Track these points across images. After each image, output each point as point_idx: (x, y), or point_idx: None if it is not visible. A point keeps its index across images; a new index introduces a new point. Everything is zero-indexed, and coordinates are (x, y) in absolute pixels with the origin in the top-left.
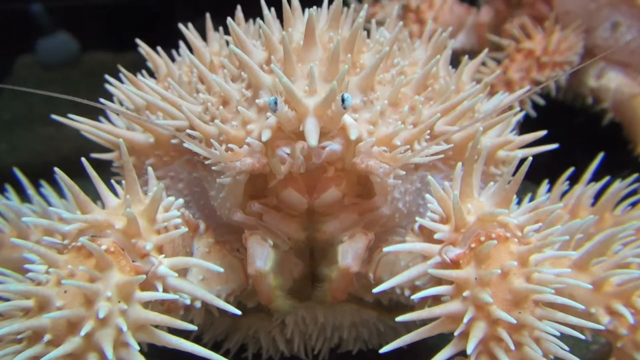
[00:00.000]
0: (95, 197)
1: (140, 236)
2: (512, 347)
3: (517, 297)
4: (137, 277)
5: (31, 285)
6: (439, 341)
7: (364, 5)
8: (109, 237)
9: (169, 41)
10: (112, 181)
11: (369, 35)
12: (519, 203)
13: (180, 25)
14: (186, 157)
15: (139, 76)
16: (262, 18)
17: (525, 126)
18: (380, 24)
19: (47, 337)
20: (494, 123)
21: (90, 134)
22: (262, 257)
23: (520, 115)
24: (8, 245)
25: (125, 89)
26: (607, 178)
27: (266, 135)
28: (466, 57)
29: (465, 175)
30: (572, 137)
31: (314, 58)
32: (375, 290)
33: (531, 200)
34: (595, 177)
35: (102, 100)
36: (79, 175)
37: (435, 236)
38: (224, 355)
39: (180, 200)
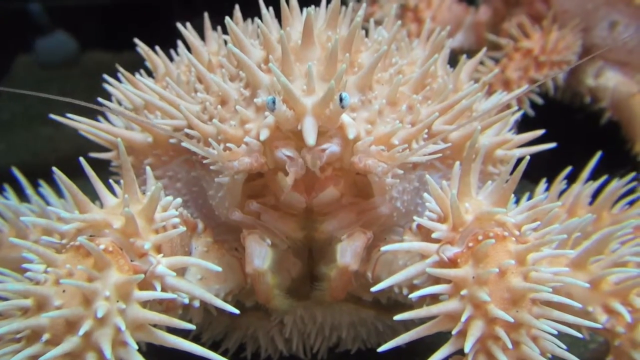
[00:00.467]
0: (94, 196)
1: (139, 235)
2: (510, 345)
3: (514, 295)
4: (135, 276)
5: (30, 285)
6: (437, 340)
7: (362, 5)
8: (108, 236)
9: (167, 41)
10: (111, 181)
11: (367, 35)
12: (517, 202)
13: (179, 25)
14: (184, 156)
15: (137, 76)
16: (260, 17)
17: (523, 126)
18: (378, 23)
19: (45, 336)
20: (492, 122)
21: (89, 133)
22: (261, 256)
23: (519, 115)
24: (7, 245)
25: (124, 89)
26: (605, 177)
27: (264, 135)
28: (464, 56)
29: (463, 175)
30: (571, 136)
31: (312, 57)
32: (374, 289)
33: (529, 199)
34: (594, 176)
35: (100, 99)
36: (77, 175)
37: (433, 235)
38: (223, 354)
39: (179, 200)
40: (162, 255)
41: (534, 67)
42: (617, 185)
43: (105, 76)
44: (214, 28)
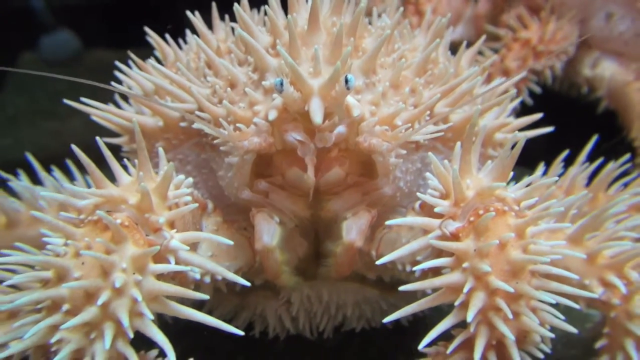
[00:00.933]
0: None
1: (153, 211)
2: (510, 316)
3: (514, 267)
4: (151, 248)
5: (50, 257)
6: (439, 321)
7: None
8: (123, 212)
9: (173, 38)
10: (125, 161)
11: (370, 23)
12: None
13: (188, 13)
14: (194, 140)
15: (148, 61)
16: (266, 3)
17: (521, 115)
18: (380, 16)
19: (65, 306)
20: (492, 105)
21: (101, 118)
22: (269, 233)
23: (517, 102)
24: (25, 224)
25: (134, 74)
26: (601, 159)
27: (272, 115)
28: (464, 43)
29: (464, 153)
30: (568, 126)
31: (317, 42)
32: (379, 261)
33: None
34: (590, 161)
35: (113, 84)
36: (84, 168)
37: (436, 210)
38: (232, 334)
39: (190, 180)
40: (175, 230)
41: (532, 57)
42: (612, 167)
43: (117, 62)
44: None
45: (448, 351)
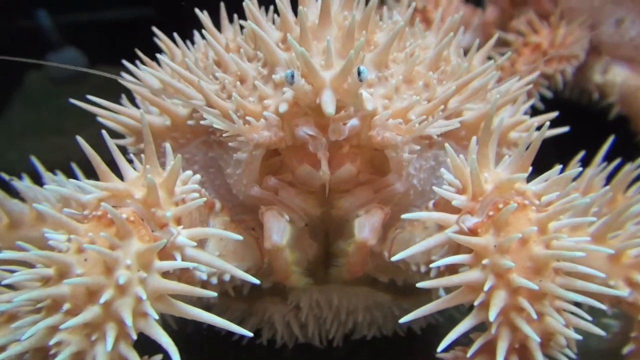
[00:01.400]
0: None
1: (160, 206)
2: (535, 315)
3: (537, 264)
4: (156, 243)
5: (52, 253)
6: (453, 328)
7: None
8: (129, 206)
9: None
10: (132, 155)
11: (381, 20)
12: None
13: (197, 11)
14: (202, 138)
15: (157, 56)
16: (273, 4)
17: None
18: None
19: (66, 306)
20: (507, 101)
21: (107, 118)
22: (279, 231)
23: (528, 105)
24: (28, 225)
25: (141, 73)
26: (618, 160)
27: (283, 107)
28: (476, 42)
29: (481, 146)
30: (579, 134)
31: (329, 36)
32: (394, 257)
33: None
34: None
35: (123, 73)
36: (90, 174)
37: (453, 203)
38: (239, 340)
39: (197, 176)
40: (182, 227)
41: (543, 62)
42: (630, 167)
43: (124, 62)
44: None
45: (468, 355)
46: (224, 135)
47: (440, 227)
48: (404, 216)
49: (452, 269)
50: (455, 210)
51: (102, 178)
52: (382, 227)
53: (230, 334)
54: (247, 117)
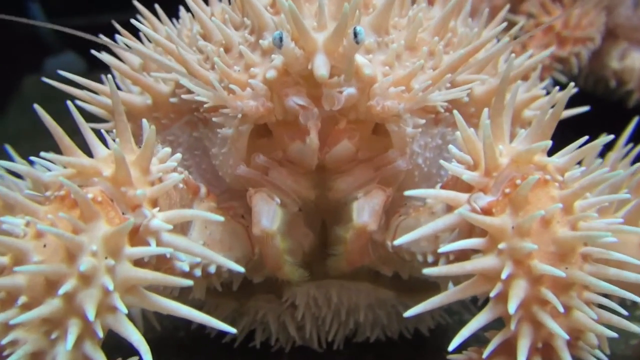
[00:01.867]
0: None
1: (132, 185)
2: (561, 309)
3: (562, 248)
4: (123, 224)
5: (4, 237)
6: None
7: None
8: (96, 185)
9: None
10: (103, 131)
11: None
12: None
13: None
14: (186, 118)
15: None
16: None
17: None
18: None
19: (21, 299)
20: (519, 73)
21: (86, 100)
22: (269, 215)
23: (542, 85)
24: None
25: (121, 50)
26: None
27: (271, 73)
28: (486, 10)
29: (494, 115)
30: (591, 125)
31: None
32: (397, 241)
33: None
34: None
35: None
36: None
37: (464, 177)
38: (230, 343)
39: (178, 155)
40: (158, 209)
41: (556, 44)
42: None
43: (101, 36)
44: None
45: (484, 356)
46: (204, 106)
47: (450, 210)
48: (406, 193)
49: (464, 257)
50: (467, 190)
51: (66, 153)
52: (385, 213)
53: (221, 335)
54: (231, 86)
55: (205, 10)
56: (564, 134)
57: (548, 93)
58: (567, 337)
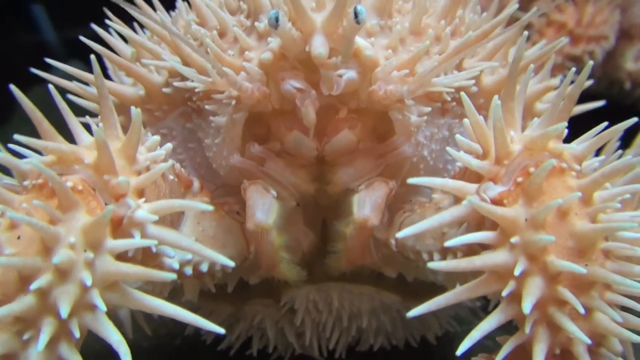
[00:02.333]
0: None
1: (115, 173)
2: (582, 310)
3: (581, 243)
4: (103, 213)
5: None
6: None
7: None
8: (77, 173)
9: None
10: (91, 122)
11: None
12: None
13: None
14: (179, 109)
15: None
16: None
17: None
18: None
19: None
20: (530, 61)
21: (78, 93)
22: (264, 208)
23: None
24: None
25: (113, 39)
26: None
27: (267, 56)
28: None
29: (505, 99)
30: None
31: None
32: (400, 233)
33: None
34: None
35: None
36: None
37: (472, 165)
38: (225, 351)
39: (169, 145)
40: (143, 200)
41: (569, 42)
42: None
43: (92, 25)
44: None
45: None
46: (196, 90)
47: (457, 203)
48: (410, 180)
49: (473, 254)
50: (476, 181)
51: (45, 138)
52: (388, 210)
53: (216, 342)
54: (225, 69)
55: None
56: (575, 135)
57: None
58: (588, 341)
